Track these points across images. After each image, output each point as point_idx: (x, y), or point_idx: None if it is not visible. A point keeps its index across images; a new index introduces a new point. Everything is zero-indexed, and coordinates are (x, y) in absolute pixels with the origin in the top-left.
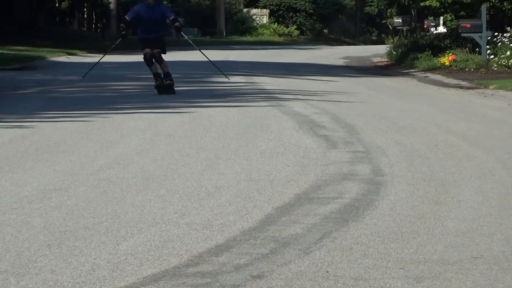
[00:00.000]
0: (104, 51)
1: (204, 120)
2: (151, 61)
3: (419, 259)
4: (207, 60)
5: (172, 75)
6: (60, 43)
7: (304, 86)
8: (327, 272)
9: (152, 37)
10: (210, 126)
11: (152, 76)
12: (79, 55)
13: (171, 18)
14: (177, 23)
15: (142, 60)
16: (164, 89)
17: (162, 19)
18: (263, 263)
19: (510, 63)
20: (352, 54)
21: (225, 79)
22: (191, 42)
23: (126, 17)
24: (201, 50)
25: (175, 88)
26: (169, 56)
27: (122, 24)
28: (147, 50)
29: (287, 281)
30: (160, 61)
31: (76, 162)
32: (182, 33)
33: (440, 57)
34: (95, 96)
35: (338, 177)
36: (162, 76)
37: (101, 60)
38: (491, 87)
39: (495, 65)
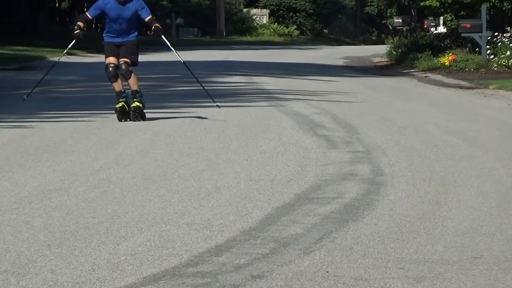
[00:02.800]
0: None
1: (204, 120)
2: (115, 75)
3: (419, 259)
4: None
5: (172, 76)
6: (60, 43)
7: (304, 86)
8: (327, 272)
9: (120, 42)
10: (210, 126)
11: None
12: (79, 55)
13: (147, 18)
14: (156, 25)
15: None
16: (127, 114)
17: (134, 18)
18: (263, 263)
19: (510, 63)
20: (352, 54)
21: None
22: (172, 48)
23: (88, 14)
24: (184, 61)
25: (147, 114)
26: (169, 56)
27: (79, 23)
28: (111, 59)
29: (287, 281)
30: (127, 75)
31: (76, 162)
32: (163, 37)
33: (440, 57)
34: (95, 96)
35: (338, 177)
36: (129, 95)
37: (100, 60)
38: (491, 87)
39: (495, 65)
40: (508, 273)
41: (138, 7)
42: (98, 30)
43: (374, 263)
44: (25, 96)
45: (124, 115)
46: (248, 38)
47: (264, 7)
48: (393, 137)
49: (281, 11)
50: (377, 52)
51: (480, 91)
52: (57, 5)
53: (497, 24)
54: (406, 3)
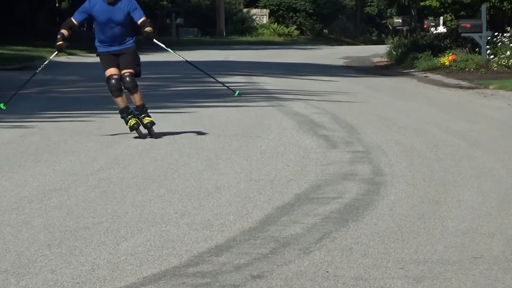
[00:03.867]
0: None
1: (204, 120)
2: (120, 88)
3: (419, 259)
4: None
5: (172, 76)
6: None
7: (304, 86)
8: (327, 272)
9: (117, 50)
10: (210, 126)
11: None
12: (79, 55)
13: (140, 20)
14: (148, 29)
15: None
16: (140, 130)
17: (128, 20)
18: (263, 263)
19: (510, 63)
20: (352, 54)
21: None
22: (170, 50)
23: (73, 19)
24: (188, 61)
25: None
26: (169, 56)
27: (63, 31)
28: (112, 71)
29: (287, 281)
30: (132, 88)
31: (76, 162)
32: (155, 40)
33: (440, 57)
34: (95, 96)
35: (338, 177)
36: (135, 111)
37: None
38: (491, 87)
39: (495, 65)
40: (508, 273)
41: (130, 7)
42: None
43: (374, 263)
44: (2, 105)
45: (140, 130)
46: (248, 38)
47: (264, 7)
48: (393, 137)
49: (281, 11)
50: (377, 52)
51: (480, 91)
52: (57, 5)
53: (497, 24)
54: (406, 3)
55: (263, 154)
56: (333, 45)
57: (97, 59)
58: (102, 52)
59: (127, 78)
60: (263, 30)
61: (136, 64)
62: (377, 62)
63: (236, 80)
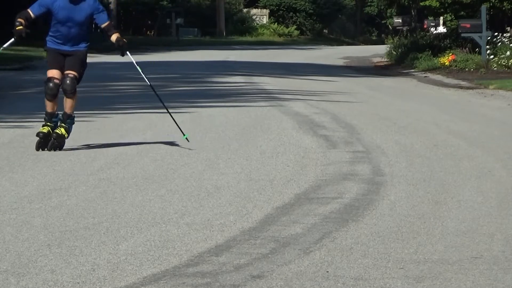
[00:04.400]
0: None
1: (204, 120)
2: (56, 94)
3: (419, 259)
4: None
5: (172, 76)
6: None
7: (304, 86)
8: (327, 272)
9: (67, 51)
10: (210, 126)
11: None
12: None
13: (104, 24)
14: (116, 36)
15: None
16: (45, 143)
17: (88, 23)
18: (263, 263)
19: (510, 63)
20: (352, 54)
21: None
22: (140, 70)
23: (30, 10)
24: (146, 77)
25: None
26: (169, 56)
27: (20, 20)
28: (55, 73)
29: (287, 281)
30: (70, 92)
31: (76, 162)
32: (128, 54)
33: (440, 57)
34: (95, 96)
35: (338, 177)
36: (58, 119)
37: (100, 60)
38: (491, 87)
39: (495, 65)
40: (508, 273)
41: (94, 9)
42: (98, 30)
43: (374, 263)
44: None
45: (45, 143)
46: (248, 38)
47: (264, 7)
48: (393, 137)
49: (281, 11)
50: (377, 52)
51: (480, 91)
52: None
53: (497, 24)
54: (406, 3)
55: (263, 154)
56: (333, 45)
57: (97, 59)
58: (51, 48)
59: (68, 81)
60: (263, 30)
61: (82, 68)
62: (377, 62)
63: (236, 80)
